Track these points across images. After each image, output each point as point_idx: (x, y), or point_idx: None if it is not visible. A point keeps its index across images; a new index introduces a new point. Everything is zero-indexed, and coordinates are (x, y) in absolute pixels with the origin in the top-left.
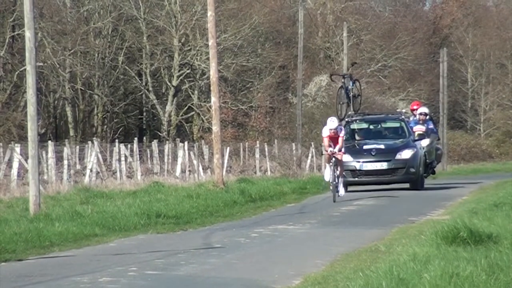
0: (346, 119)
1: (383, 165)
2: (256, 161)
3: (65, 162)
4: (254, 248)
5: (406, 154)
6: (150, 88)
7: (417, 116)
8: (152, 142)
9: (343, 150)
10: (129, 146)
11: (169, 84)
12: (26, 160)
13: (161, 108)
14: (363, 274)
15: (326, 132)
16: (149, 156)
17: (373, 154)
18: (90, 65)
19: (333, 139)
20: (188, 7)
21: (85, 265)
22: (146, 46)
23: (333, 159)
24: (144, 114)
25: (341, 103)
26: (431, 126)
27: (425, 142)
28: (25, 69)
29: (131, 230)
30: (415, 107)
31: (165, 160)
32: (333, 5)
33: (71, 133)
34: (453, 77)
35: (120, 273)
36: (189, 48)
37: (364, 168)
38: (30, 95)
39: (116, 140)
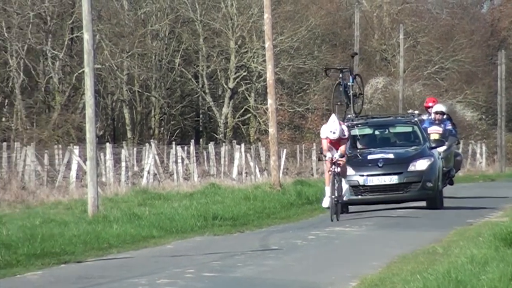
0: (346, 124)
1: (393, 179)
2: (313, 163)
3: (123, 164)
4: (311, 250)
5: (421, 165)
6: (207, 90)
7: (432, 115)
8: (209, 144)
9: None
10: (185, 148)
11: (225, 86)
12: (84, 162)
13: (217, 110)
14: (421, 276)
15: (324, 133)
16: (205, 158)
17: (380, 165)
18: (147, 67)
19: (335, 142)
20: (244, 10)
21: (143, 267)
22: (203, 48)
23: (333, 167)
24: (201, 116)
25: (338, 103)
26: (449, 126)
27: (442, 147)
28: (83, 71)
29: (188, 232)
30: (430, 104)
31: (222, 162)
32: (389, 7)
33: (129, 135)
34: None
35: (177, 275)
36: (245, 50)
37: (369, 183)
38: (88, 97)
39: (173, 142)
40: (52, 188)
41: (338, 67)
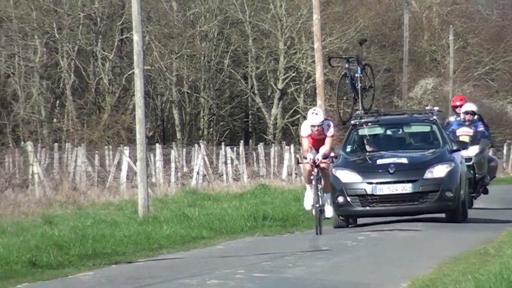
0: (353, 122)
1: (406, 188)
2: None
3: (173, 164)
4: (361, 251)
5: (439, 171)
6: (256, 91)
7: (462, 116)
8: (258, 145)
9: (331, 154)
10: (235, 149)
11: (274, 87)
12: (134, 162)
13: (266, 111)
14: (472, 277)
15: (306, 129)
16: (255, 158)
17: (391, 171)
18: (196, 68)
19: (318, 141)
20: (293, 11)
21: (193, 268)
22: (252, 49)
23: (316, 170)
24: (250, 117)
25: (344, 98)
26: (481, 128)
27: (473, 151)
28: (133, 72)
29: (238, 232)
30: (458, 103)
31: (271, 162)
32: (439, 8)
33: (178, 136)
34: None
35: (227, 276)
36: (294, 51)
37: (379, 193)
38: (138, 98)
39: (222, 143)
40: (103, 189)
41: (344, 57)
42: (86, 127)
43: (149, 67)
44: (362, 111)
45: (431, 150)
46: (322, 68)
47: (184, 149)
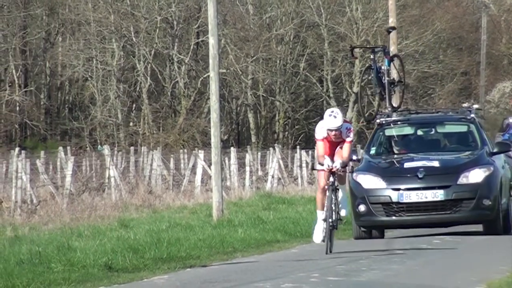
0: (378, 121)
1: (438, 195)
2: None
3: (247, 168)
4: (436, 255)
5: (475, 176)
6: (331, 95)
7: None
8: None
9: (350, 164)
10: (310, 152)
11: (349, 90)
12: (209, 166)
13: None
14: None
15: (321, 132)
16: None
17: (420, 176)
18: (272, 72)
19: (334, 145)
20: (369, 14)
21: (268, 271)
22: (327, 52)
23: (332, 179)
24: None
25: (368, 93)
26: None
27: None
28: (208, 76)
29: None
30: None
31: None
32: None
33: (253, 139)
34: None
35: (302, 279)
36: (370, 54)
37: (405, 200)
38: (213, 102)
39: (297, 146)
40: (177, 192)
41: (369, 46)
42: (161, 130)
43: (224, 71)
44: (390, 109)
45: (467, 153)
46: (398, 72)
47: (259, 153)
